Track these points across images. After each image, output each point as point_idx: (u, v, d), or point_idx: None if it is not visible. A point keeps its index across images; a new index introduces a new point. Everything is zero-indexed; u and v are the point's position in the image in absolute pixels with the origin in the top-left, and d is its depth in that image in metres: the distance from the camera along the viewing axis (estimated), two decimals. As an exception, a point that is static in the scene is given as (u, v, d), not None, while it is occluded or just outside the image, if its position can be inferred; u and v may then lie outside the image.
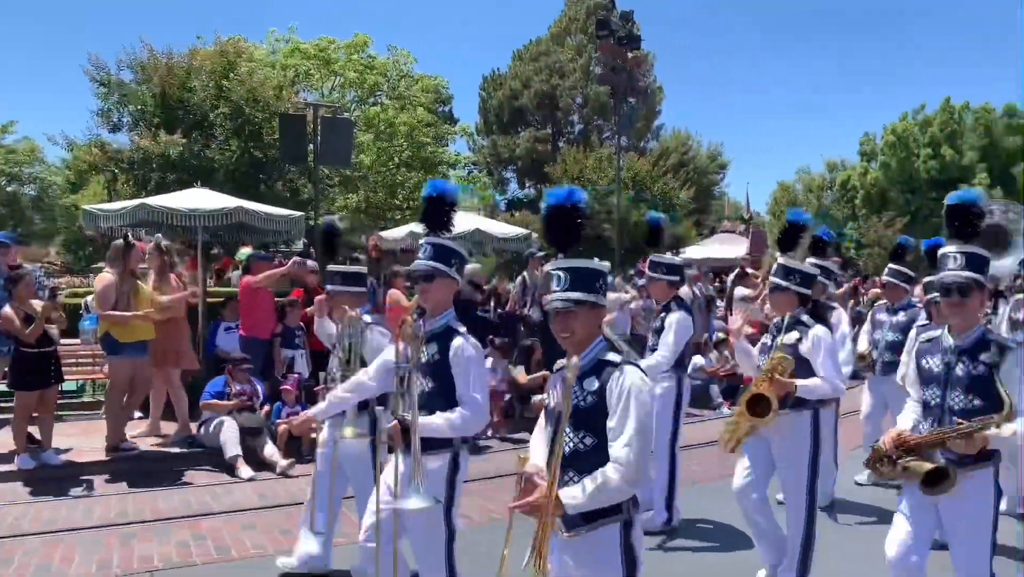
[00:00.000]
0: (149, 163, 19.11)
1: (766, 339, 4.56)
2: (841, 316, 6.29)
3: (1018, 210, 7.26)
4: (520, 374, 9.97)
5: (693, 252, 22.85)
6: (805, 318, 4.44)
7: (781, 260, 4.58)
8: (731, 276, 14.26)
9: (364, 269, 5.03)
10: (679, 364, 5.71)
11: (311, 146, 17.18)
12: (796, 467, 4.41)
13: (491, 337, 10.02)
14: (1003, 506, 5.63)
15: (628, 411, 2.54)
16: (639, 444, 2.51)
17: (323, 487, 4.61)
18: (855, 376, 7.34)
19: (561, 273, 2.73)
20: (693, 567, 5.21)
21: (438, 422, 3.32)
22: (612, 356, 2.69)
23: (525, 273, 11.64)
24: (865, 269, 25.77)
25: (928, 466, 3.20)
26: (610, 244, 20.29)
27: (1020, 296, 7.24)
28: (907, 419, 3.56)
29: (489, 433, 9.08)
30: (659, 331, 5.63)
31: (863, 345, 7.08)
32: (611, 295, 11.24)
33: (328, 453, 4.55)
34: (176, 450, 7.82)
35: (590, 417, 2.61)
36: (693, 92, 72.16)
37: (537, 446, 2.92)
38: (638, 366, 2.67)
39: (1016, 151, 35.85)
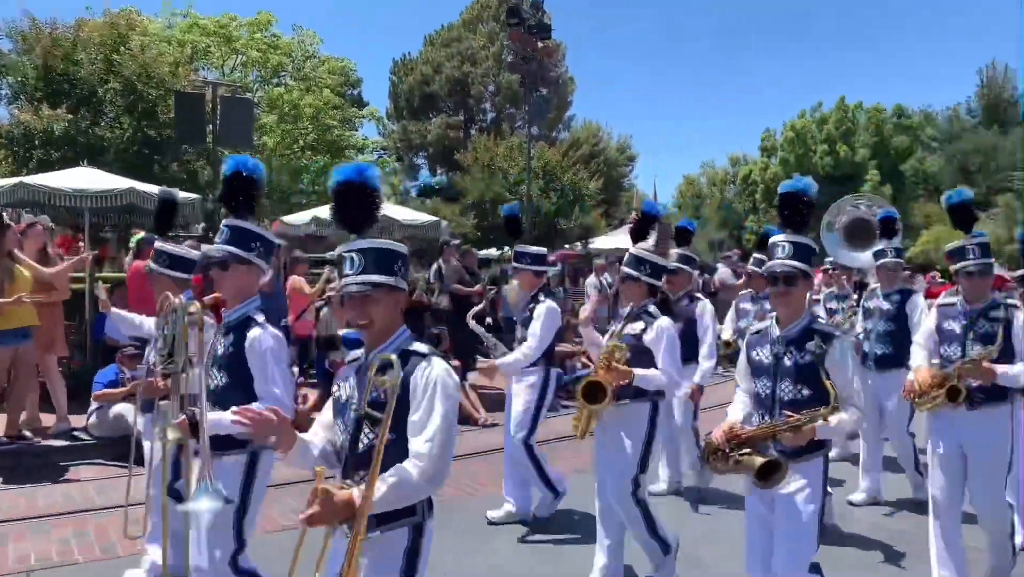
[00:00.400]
0: (31, 139, 17.92)
1: (613, 326, 4.51)
2: (705, 307, 6.28)
3: (883, 204, 7.55)
4: None
5: (602, 242, 23.18)
6: (652, 309, 4.42)
7: (632, 250, 4.53)
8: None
9: (194, 252, 4.60)
10: (547, 356, 5.61)
11: (209, 126, 16.53)
12: (625, 456, 4.35)
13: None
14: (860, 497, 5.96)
15: (433, 405, 2.37)
16: (442, 440, 2.35)
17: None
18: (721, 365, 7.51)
19: (355, 255, 2.52)
20: (548, 557, 5.13)
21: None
22: (418, 346, 2.51)
23: (441, 261, 11.48)
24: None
25: (760, 460, 3.19)
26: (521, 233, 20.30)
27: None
28: (737, 411, 3.56)
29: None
30: (527, 322, 5.52)
31: (727, 333, 7.19)
32: (515, 282, 11.35)
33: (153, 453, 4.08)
34: (59, 443, 7.31)
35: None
36: (604, 84, 73.20)
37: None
38: (445, 358, 2.50)
39: (904, 149, 37.94)
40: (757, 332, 3.58)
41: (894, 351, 5.86)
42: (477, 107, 37.57)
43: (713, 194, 47.36)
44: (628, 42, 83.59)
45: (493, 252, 20.36)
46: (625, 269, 4.50)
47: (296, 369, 8.96)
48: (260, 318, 3.31)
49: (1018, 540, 5.00)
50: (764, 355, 3.44)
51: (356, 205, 2.58)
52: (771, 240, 3.51)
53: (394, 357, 2.32)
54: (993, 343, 4.10)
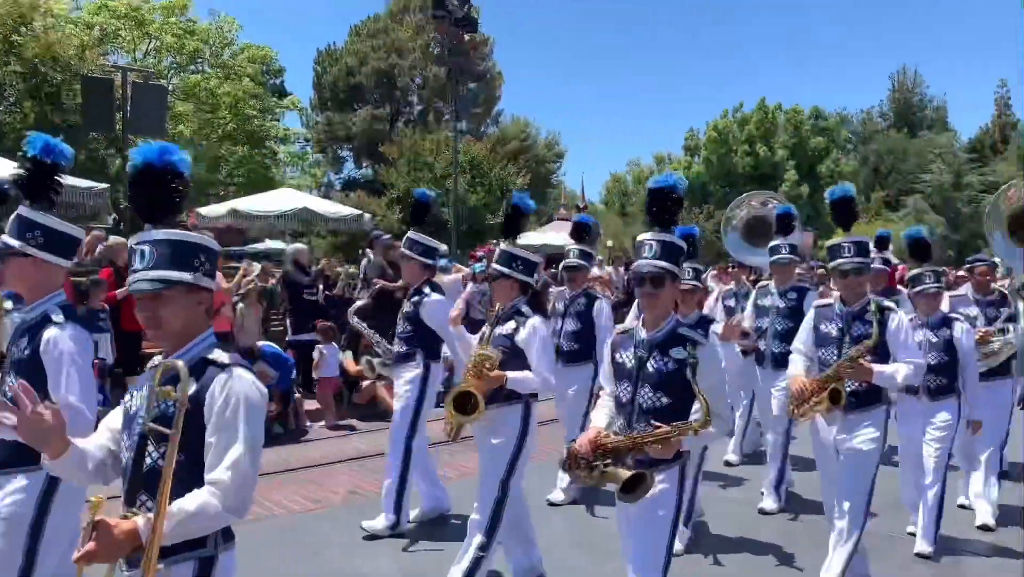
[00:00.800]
0: (-79, 123, 16.74)
1: (485, 329, 4.23)
2: (603, 307, 6.15)
3: (780, 199, 7.65)
4: (348, 360, 9.52)
5: (530, 238, 23.09)
6: (524, 308, 4.20)
7: (503, 246, 4.31)
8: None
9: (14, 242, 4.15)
10: (428, 350, 5.30)
11: (119, 113, 15.75)
12: (495, 459, 4.14)
13: (316, 321, 9.51)
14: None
15: (236, 426, 2.10)
16: (246, 466, 2.08)
17: None
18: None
19: (146, 248, 2.20)
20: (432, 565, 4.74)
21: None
22: (218, 355, 2.19)
23: (370, 254, 11.12)
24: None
25: (626, 474, 2.96)
26: (447, 227, 20.10)
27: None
28: (602, 416, 3.33)
29: (310, 425, 8.70)
30: (410, 317, 5.24)
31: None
32: (446, 277, 11.06)
33: None
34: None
35: (183, 429, 2.09)
36: (533, 80, 73.40)
37: None
38: (250, 369, 2.23)
39: (821, 150, 39.21)
40: (623, 332, 3.37)
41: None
42: (404, 100, 37.03)
43: (638, 192, 48.04)
44: (557, 40, 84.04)
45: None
46: (496, 267, 4.26)
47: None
48: (59, 317, 2.96)
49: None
50: (627, 358, 3.23)
51: (155, 191, 2.26)
52: (638, 239, 3.30)
53: (181, 365, 2.06)
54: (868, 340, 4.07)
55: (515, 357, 4.07)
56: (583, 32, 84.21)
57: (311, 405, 8.98)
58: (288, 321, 10.40)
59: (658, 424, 3.03)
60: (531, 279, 4.26)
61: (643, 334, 3.22)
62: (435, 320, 5.13)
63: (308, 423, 8.76)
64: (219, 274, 9.39)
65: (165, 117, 17.14)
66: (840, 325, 4.17)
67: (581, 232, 6.47)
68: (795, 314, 5.81)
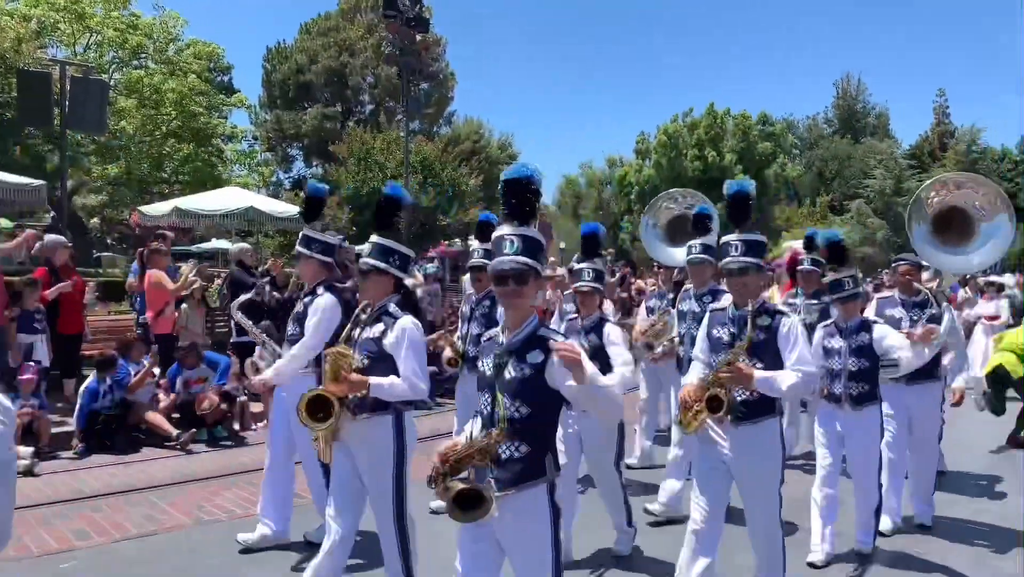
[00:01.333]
0: None
1: (354, 332, 3.83)
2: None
3: (698, 197, 7.20)
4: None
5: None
6: (392, 308, 3.76)
7: (374, 238, 3.88)
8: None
9: None
10: (318, 356, 4.67)
11: (57, 108, 15.24)
12: (379, 477, 3.74)
13: (260, 321, 9.28)
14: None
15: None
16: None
17: None
18: None
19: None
20: None
21: None
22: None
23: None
24: (637, 260, 27.36)
25: (457, 488, 2.68)
26: (399, 228, 19.88)
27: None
28: (479, 424, 2.99)
29: (255, 426, 8.53)
30: (300, 319, 4.72)
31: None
32: (407, 281, 10.91)
33: None
34: None
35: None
36: (486, 82, 73.33)
37: None
38: None
39: (768, 155, 39.97)
40: (489, 338, 3.06)
41: None
42: (355, 99, 36.63)
43: (591, 195, 48.33)
44: (511, 43, 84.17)
45: (366, 247, 19.83)
46: (368, 260, 3.83)
47: (156, 370, 8.28)
48: None
49: (884, 525, 5.26)
50: (487, 365, 2.94)
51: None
52: (494, 235, 2.99)
53: None
54: (761, 352, 3.77)
55: (382, 362, 3.67)
56: (537, 36, 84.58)
57: (257, 407, 8.79)
58: (232, 323, 10.17)
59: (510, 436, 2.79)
60: (404, 274, 3.94)
61: (502, 339, 2.94)
62: (319, 321, 4.59)
63: (254, 425, 8.59)
64: (163, 273, 9.13)
65: (106, 113, 16.65)
66: (732, 329, 3.87)
67: (485, 231, 5.77)
68: None
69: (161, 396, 8.20)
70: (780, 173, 39.79)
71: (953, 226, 5.57)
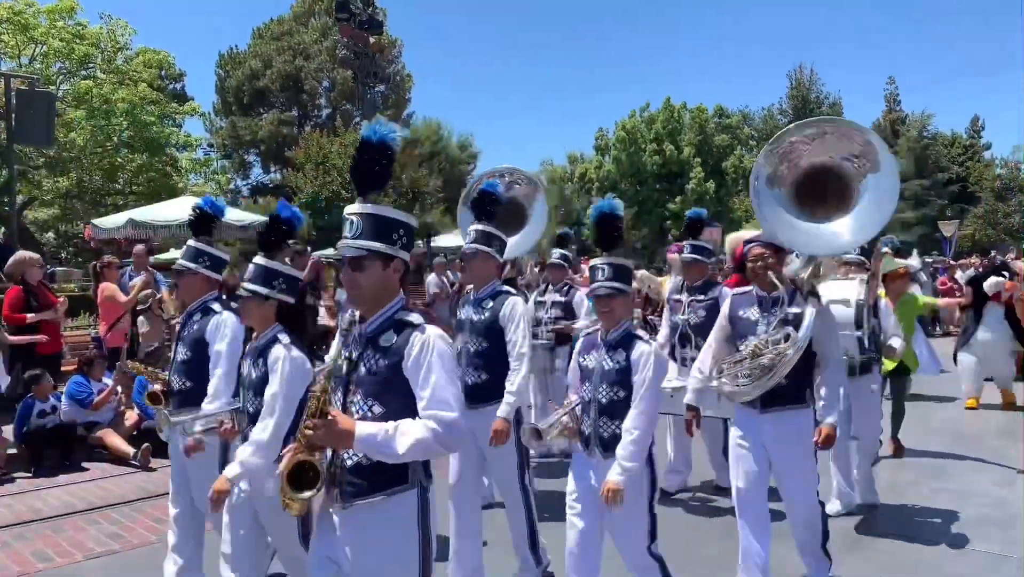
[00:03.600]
0: None
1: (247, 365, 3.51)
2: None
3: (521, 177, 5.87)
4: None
5: (444, 241, 22.96)
6: (282, 336, 3.39)
7: (258, 260, 3.46)
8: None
9: None
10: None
11: (3, 122, 14.87)
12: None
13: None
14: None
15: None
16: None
17: None
18: None
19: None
20: None
21: None
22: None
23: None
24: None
25: (298, 459, 2.36)
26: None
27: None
28: None
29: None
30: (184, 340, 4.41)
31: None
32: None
33: None
34: None
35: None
36: (444, 83, 73.14)
37: None
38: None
39: (725, 147, 40.45)
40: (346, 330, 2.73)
41: None
42: (311, 103, 36.28)
43: (551, 192, 48.37)
44: (468, 43, 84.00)
45: (330, 252, 19.65)
46: (250, 286, 3.41)
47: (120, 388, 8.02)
48: None
49: (831, 507, 5.29)
50: (343, 362, 2.60)
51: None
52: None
53: None
54: (622, 377, 3.44)
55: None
56: (494, 35, 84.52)
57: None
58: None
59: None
60: (218, 276, 3.71)
61: (358, 330, 2.58)
62: (227, 345, 3.90)
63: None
64: (115, 286, 8.92)
65: (53, 125, 16.26)
66: (597, 356, 3.57)
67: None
68: (566, 314, 5.52)
69: (128, 413, 7.95)
70: (738, 165, 40.27)
71: (820, 192, 4.04)
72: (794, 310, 3.97)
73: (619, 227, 3.66)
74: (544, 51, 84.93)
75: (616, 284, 3.52)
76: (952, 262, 19.91)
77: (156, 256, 24.93)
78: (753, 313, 4.10)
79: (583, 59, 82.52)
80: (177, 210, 14.58)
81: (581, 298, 6.74)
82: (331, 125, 32.74)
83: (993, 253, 28.97)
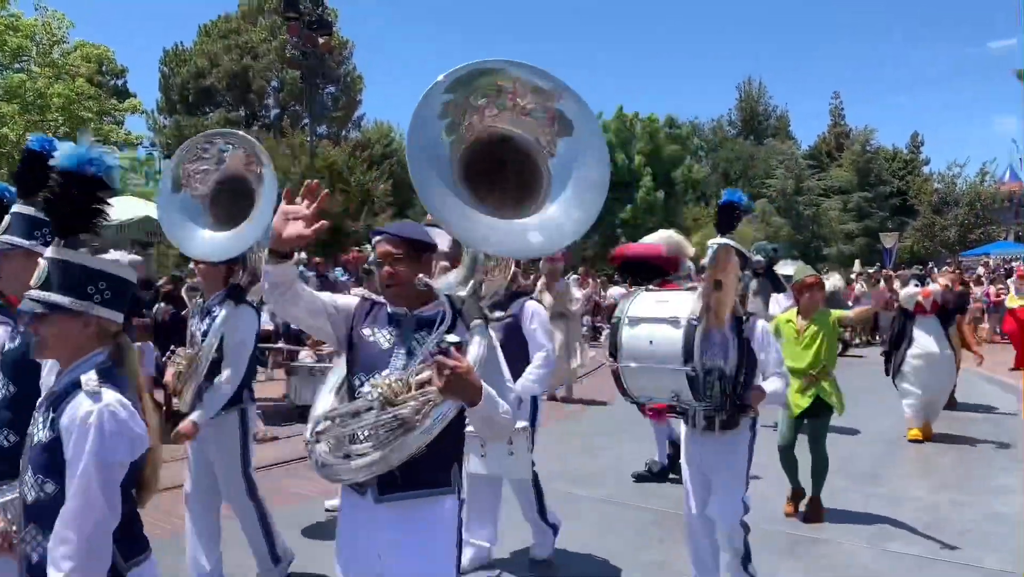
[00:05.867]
0: None
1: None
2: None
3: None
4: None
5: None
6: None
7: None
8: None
9: None
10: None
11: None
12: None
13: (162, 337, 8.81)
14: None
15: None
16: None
17: None
18: None
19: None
20: None
21: None
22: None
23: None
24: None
25: None
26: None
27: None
28: None
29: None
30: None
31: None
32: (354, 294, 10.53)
33: None
34: None
35: None
36: (396, 85, 72.71)
37: None
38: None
39: (675, 157, 40.91)
40: None
41: None
42: (260, 103, 35.64)
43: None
44: (420, 46, 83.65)
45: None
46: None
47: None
48: None
49: None
50: None
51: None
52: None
53: None
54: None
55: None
56: (447, 39, 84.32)
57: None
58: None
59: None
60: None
61: None
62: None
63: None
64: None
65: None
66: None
67: None
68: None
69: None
70: (687, 175, 40.75)
71: (495, 172, 2.52)
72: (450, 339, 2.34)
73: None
74: (498, 56, 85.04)
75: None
76: (892, 273, 20.37)
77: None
78: (385, 337, 2.60)
79: (537, 64, 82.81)
80: (115, 211, 13.99)
81: None
82: (279, 126, 32.20)
83: (930, 264, 29.87)
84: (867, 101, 75.15)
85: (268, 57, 33.85)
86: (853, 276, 20.09)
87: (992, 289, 17.23)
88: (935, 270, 18.06)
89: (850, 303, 17.76)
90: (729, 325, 3.58)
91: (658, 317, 3.58)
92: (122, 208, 14.37)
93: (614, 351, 3.68)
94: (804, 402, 5.53)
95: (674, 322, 3.49)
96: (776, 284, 6.24)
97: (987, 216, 36.63)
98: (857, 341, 17.47)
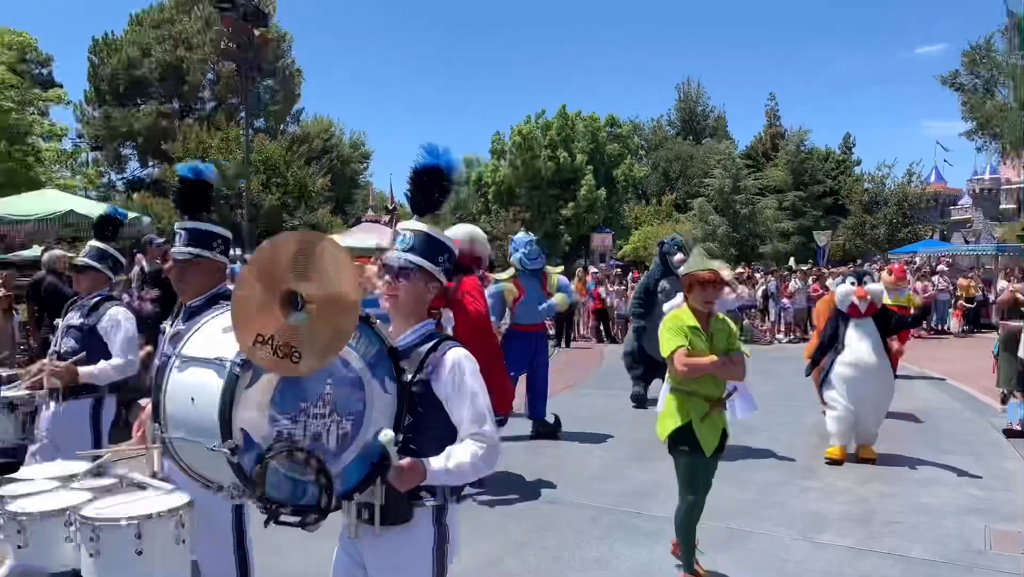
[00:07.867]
0: None
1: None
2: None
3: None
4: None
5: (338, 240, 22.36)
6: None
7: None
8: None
9: None
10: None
11: None
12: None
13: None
14: None
15: None
16: None
17: None
18: None
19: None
20: None
21: None
22: None
23: (143, 262, 10.02)
24: (497, 260, 27.47)
25: None
26: (240, 229, 18.94)
27: None
28: None
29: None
30: None
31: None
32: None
33: None
34: None
35: None
36: (337, 80, 71.67)
37: None
38: None
39: (616, 155, 41.29)
40: None
41: None
42: (194, 95, 34.68)
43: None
44: (363, 41, 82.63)
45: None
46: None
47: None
48: None
49: None
50: None
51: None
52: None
53: None
54: None
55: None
56: (390, 35, 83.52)
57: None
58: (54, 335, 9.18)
59: None
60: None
61: None
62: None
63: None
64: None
65: None
66: None
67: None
68: None
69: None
70: (628, 173, 41.17)
71: None
72: None
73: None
74: (442, 52, 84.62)
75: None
76: (825, 270, 20.92)
77: (18, 252, 23.17)
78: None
79: (480, 63, 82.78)
80: (37, 204, 13.50)
81: None
82: (215, 119, 31.38)
83: (859, 261, 30.79)
84: (802, 103, 77.32)
85: (203, 48, 32.96)
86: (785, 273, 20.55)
87: (919, 285, 17.88)
88: (846, 276, 18.59)
89: (785, 301, 18.24)
90: (370, 359, 2.13)
91: (205, 357, 2.07)
92: (44, 202, 13.80)
93: (156, 413, 2.14)
94: (714, 440, 4.20)
95: (218, 366, 1.99)
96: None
97: (914, 215, 37.99)
98: (791, 337, 17.88)
